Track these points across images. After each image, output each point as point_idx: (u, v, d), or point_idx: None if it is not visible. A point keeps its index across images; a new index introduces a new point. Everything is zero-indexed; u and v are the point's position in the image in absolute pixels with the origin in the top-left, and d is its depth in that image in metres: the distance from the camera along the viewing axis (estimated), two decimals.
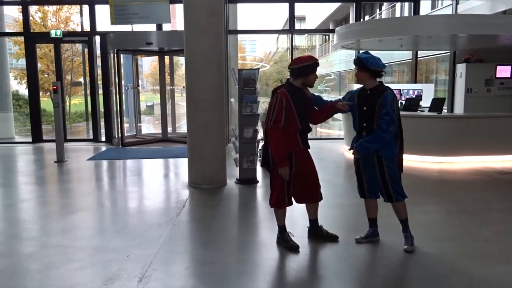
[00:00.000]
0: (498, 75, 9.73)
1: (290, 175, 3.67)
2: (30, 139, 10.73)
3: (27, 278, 3.35)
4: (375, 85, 3.68)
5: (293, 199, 3.84)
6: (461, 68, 9.95)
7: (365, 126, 3.69)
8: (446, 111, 9.83)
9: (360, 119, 3.74)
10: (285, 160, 3.60)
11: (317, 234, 3.96)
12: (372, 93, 3.66)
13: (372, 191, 3.83)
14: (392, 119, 3.55)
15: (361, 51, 3.74)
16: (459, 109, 9.93)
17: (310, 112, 3.80)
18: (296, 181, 3.73)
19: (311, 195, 3.85)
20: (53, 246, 3.96)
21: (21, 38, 11.25)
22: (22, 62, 14.41)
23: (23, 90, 16.86)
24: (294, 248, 3.73)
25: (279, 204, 3.78)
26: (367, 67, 3.61)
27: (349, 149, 3.93)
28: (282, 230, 3.86)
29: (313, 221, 3.98)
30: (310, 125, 3.85)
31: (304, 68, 3.63)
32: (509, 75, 9.75)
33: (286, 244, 3.79)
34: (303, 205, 3.94)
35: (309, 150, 3.83)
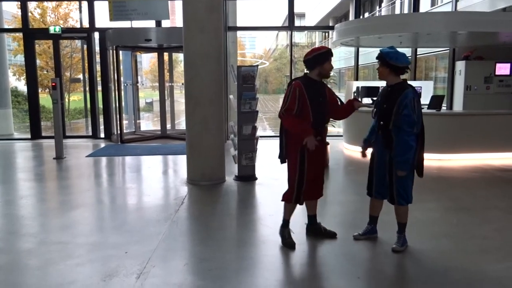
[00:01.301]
0: (497, 73, 9.74)
1: (303, 171, 3.64)
2: (29, 136, 10.72)
3: (26, 274, 3.35)
4: (396, 82, 3.57)
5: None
6: (460, 65, 9.95)
7: (382, 124, 3.60)
8: (445, 108, 9.83)
9: (379, 117, 3.64)
10: (308, 129, 3.54)
11: (316, 231, 3.97)
12: (392, 90, 3.56)
13: (379, 192, 3.77)
14: (413, 120, 3.42)
15: (386, 46, 3.63)
16: (458, 106, 9.93)
17: (331, 107, 3.77)
18: (310, 176, 3.68)
19: (317, 191, 3.86)
20: (52, 242, 3.96)
21: (20, 35, 11.22)
22: (21, 58, 14.40)
23: (22, 86, 16.85)
24: (290, 246, 3.73)
25: (287, 198, 3.78)
26: (387, 62, 3.51)
27: (362, 152, 3.86)
28: (284, 224, 3.85)
29: (312, 217, 3.98)
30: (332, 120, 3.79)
31: (317, 57, 3.63)
32: (508, 73, 9.76)
33: (283, 239, 3.80)
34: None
35: (327, 144, 3.81)
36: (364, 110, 4.11)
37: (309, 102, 3.58)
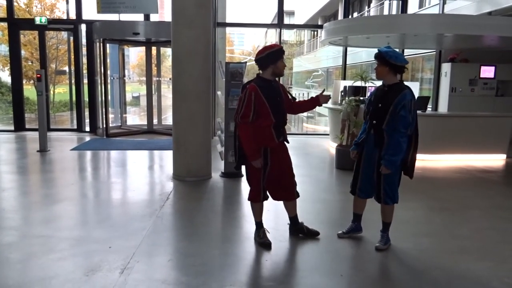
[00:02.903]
0: (482, 75, 9.91)
1: (265, 169, 3.63)
2: (12, 128, 10.54)
3: (7, 268, 3.31)
4: (394, 82, 3.57)
5: (268, 195, 3.80)
6: (446, 67, 10.08)
7: (375, 123, 3.58)
8: (430, 109, 9.96)
9: (371, 116, 3.62)
10: (256, 153, 3.54)
11: (298, 231, 3.96)
12: (390, 90, 3.54)
13: (364, 191, 3.78)
14: (408, 121, 3.42)
15: (383, 46, 3.62)
16: (443, 107, 10.07)
17: (287, 103, 3.75)
18: (270, 176, 3.67)
19: (286, 193, 3.80)
20: (34, 236, 3.91)
21: (5, 24, 11.01)
22: (5, 48, 14.13)
23: (6, 77, 16.53)
24: (266, 245, 3.71)
25: (254, 198, 3.75)
26: (386, 61, 3.49)
27: (353, 155, 3.83)
28: (257, 226, 3.84)
29: (293, 218, 3.96)
30: (289, 116, 3.74)
31: (269, 55, 3.55)
32: (492, 76, 9.93)
33: (259, 240, 3.78)
34: None
35: (287, 144, 3.76)
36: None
37: (268, 104, 3.52)
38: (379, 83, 3.74)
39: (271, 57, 3.55)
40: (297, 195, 3.87)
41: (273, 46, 3.64)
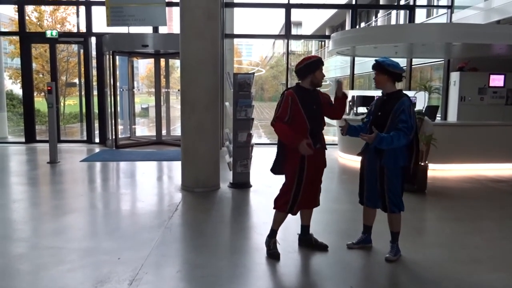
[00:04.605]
0: (491, 84, 9.84)
1: (301, 178, 3.62)
2: (23, 139, 10.67)
3: (17, 279, 3.32)
4: (393, 91, 3.63)
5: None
6: (455, 76, 10.04)
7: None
8: (439, 118, 9.90)
9: (372, 124, 3.65)
10: (298, 138, 3.51)
11: (307, 242, 3.94)
12: (389, 98, 3.61)
13: (371, 200, 3.79)
14: (410, 125, 3.46)
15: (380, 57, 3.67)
16: (452, 117, 10.00)
17: (329, 111, 3.79)
18: (305, 184, 3.65)
19: (314, 201, 3.84)
20: (44, 247, 3.93)
21: (17, 38, 11.20)
22: (17, 61, 14.36)
23: (18, 90, 16.78)
24: (275, 256, 3.70)
25: (280, 206, 3.73)
26: (385, 69, 3.57)
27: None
28: (271, 234, 3.82)
29: (305, 227, 3.95)
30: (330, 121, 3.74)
31: (308, 66, 3.65)
32: (502, 84, 9.86)
33: (267, 250, 3.77)
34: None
35: (325, 149, 3.80)
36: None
37: (303, 110, 3.60)
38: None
39: (310, 68, 3.65)
40: (319, 203, 3.89)
41: (312, 57, 3.72)
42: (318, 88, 3.79)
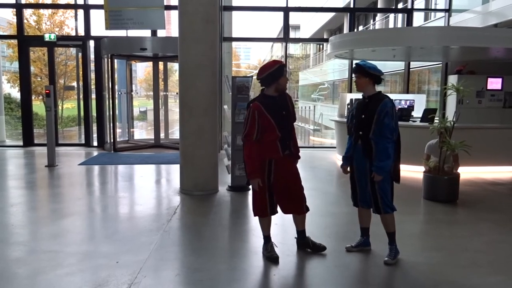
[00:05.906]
0: (489, 87, 9.85)
1: (269, 182, 3.65)
2: (21, 143, 10.64)
3: (15, 283, 3.30)
4: (373, 93, 3.69)
5: (278, 208, 3.80)
6: (453, 79, 10.04)
7: (361, 134, 3.68)
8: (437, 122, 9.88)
9: (357, 128, 3.72)
10: (255, 172, 3.56)
11: (304, 245, 3.93)
12: (370, 100, 3.67)
13: (364, 201, 3.82)
14: (392, 127, 3.55)
15: (357, 61, 3.74)
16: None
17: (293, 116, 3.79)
18: (277, 188, 3.68)
19: (295, 206, 3.79)
20: (42, 251, 3.91)
21: (15, 41, 11.19)
22: (15, 65, 14.35)
23: (16, 93, 16.74)
24: (274, 259, 3.69)
25: (262, 212, 3.74)
26: (367, 72, 3.62)
27: (344, 169, 3.90)
28: (265, 240, 3.83)
29: (300, 232, 3.93)
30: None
31: (271, 74, 3.59)
32: (500, 87, 9.87)
33: (266, 254, 3.76)
34: None
35: (298, 158, 3.80)
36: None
37: (273, 119, 3.56)
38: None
39: (273, 76, 3.59)
40: (307, 209, 3.85)
41: (273, 64, 3.64)
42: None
